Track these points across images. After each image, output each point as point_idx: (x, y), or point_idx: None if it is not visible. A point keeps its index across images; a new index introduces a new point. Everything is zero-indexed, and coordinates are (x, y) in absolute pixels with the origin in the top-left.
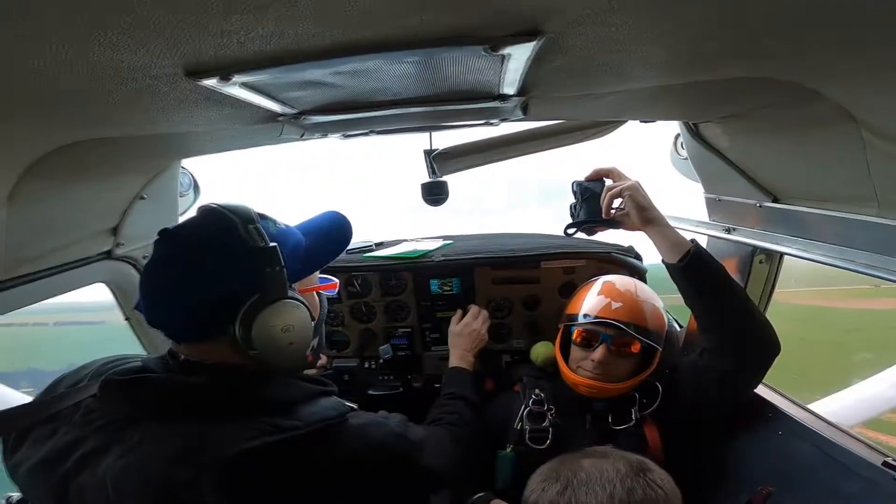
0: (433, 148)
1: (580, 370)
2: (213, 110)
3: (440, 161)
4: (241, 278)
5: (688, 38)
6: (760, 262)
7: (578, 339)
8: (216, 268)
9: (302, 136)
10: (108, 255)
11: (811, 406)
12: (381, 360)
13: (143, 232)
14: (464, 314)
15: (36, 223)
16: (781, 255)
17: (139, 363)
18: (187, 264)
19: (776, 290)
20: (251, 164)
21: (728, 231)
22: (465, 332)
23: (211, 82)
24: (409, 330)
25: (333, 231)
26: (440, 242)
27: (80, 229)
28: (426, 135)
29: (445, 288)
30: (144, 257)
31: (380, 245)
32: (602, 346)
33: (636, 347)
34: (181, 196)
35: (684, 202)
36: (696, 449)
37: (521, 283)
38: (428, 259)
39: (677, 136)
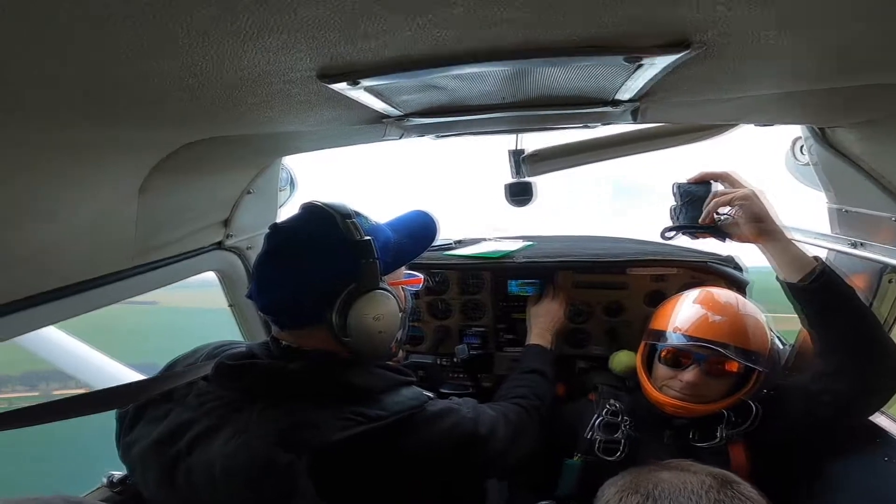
0: (520, 148)
1: (665, 389)
2: (328, 111)
3: (531, 162)
4: (339, 269)
5: (840, 46)
6: (890, 281)
7: (667, 357)
8: (318, 259)
9: (401, 136)
10: (219, 245)
11: None
12: (456, 359)
13: (249, 224)
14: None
15: (161, 215)
16: None
17: (245, 349)
18: (293, 256)
19: None
20: (340, 163)
21: (854, 245)
22: (542, 311)
23: (340, 86)
24: (483, 329)
25: (421, 229)
26: (521, 243)
27: (198, 221)
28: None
29: (524, 290)
30: (249, 248)
31: (459, 243)
32: (695, 368)
33: (733, 367)
34: (280, 191)
35: (795, 210)
36: (789, 473)
37: (604, 288)
38: (509, 260)
39: (796, 140)
